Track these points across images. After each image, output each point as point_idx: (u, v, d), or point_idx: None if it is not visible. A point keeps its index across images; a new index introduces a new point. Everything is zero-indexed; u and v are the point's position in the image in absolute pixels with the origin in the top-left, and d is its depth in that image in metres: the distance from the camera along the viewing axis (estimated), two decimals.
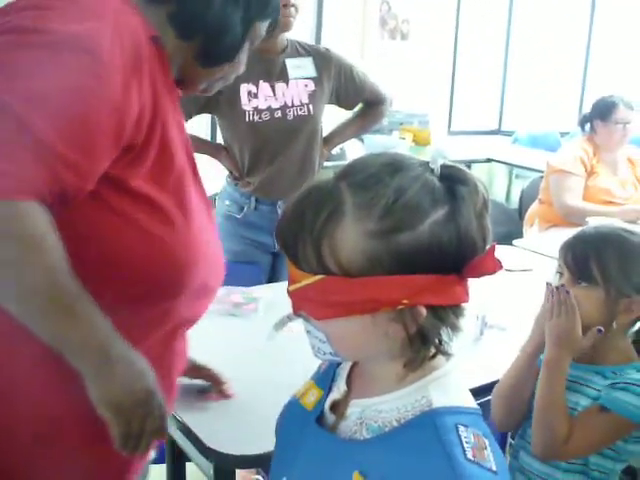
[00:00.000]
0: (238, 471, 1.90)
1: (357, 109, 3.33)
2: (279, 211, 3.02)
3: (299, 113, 2.95)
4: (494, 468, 0.91)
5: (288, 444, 1.12)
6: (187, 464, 2.17)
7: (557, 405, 1.66)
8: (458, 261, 0.93)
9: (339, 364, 1.13)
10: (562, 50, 7.97)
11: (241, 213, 3.06)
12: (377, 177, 0.92)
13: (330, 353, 0.99)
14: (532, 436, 1.70)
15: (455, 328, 0.97)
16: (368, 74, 3.22)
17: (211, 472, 1.78)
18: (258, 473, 2.21)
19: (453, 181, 0.93)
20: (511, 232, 4.22)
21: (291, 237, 0.94)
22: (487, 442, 0.94)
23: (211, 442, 1.66)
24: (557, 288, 1.67)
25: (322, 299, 0.93)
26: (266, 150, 2.96)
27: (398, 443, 0.95)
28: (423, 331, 0.94)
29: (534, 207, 4.45)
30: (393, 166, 0.93)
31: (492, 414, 1.81)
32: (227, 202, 3.11)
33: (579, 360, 1.70)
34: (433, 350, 0.98)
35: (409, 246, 0.89)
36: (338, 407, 1.07)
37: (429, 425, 0.94)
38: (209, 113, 3.10)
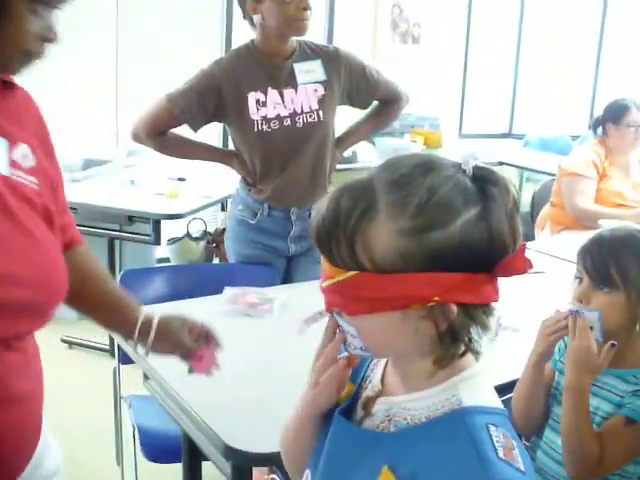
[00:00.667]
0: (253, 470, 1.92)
1: (371, 108, 3.22)
2: (292, 217, 3.00)
3: (309, 120, 2.88)
4: (522, 468, 0.92)
5: (321, 438, 1.13)
6: (203, 463, 2.18)
7: (584, 428, 1.65)
8: (489, 260, 0.94)
9: (372, 360, 1.15)
10: (573, 53, 7.95)
11: (254, 219, 3.01)
12: (410, 176, 0.94)
13: (361, 348, 1.01)
14: (564, 458, 1.70)
15: (485, 327, 0.98)
16: (382, 71, 3.12)
17: (229, 470, 1.79)
18: (273, 472, 2.22)
19: (484, 182, 0.95)
20: (524, 235, 4.23)
21: (325, 234, 0.96)
22: (515, 443, 0.95)
23: (230, 440, 1.68)
24: (570, 312, 1.68)
25: (354, 295, 0.95)
26: (277, 159, 2.92)
27: (428, 439, 0.96)
28: (453, 329, 0.96)
29: (546, 210, 4.45)
30: (426, 166, 0.95)
31: (513, 417, 1.82)
32: (240, 207, 3.06)
33: None
34: (463, 348, 0.99)
35: (441, 244, 0.91)
36: (369, 404, 1.08)
37: (459, 423, 0.95)
38: (218, 122, 3.07)
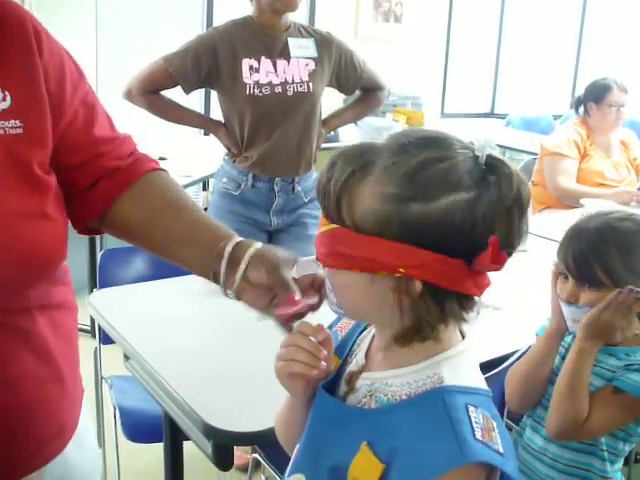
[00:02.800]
0: (235, 450, 1.92)
1: (356, 95, 3.39)
2: (276, 189, 3.04)
3: (299, 90, 2.99)
4: (501, 450, 0.92)
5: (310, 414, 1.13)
6: (185, 443, 2.18)
7: (582, 389, 1.66)
8: (468, 249, 0.92)
9: (360, 335, 1.15)
10: (555, 33, 7.96)
11: (238, 190, 3.06)
12: (408, 147, 0.94)
13: (336, 304, 1.03)
14: (548, 417, 1.70)
15: (457, 318, 0.97)
16: (367, 62, 3.27)
17: (209, 450, 1.79)
18: (255, 451, 2.22)
19: (491, 172, 0.93)
20: None
21: (322, 187, 0.99)
22: (495, 424, 0.95)
23: (210, 419, 1.67)
24: (630, 290, 1.61)
25: (332, 248, 0.98)
26: (265, 124, 2.99)
27: (407, 416, 0.96)
28: (415, 308, 0.95)
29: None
30: (429, 140, 0.95)
31: (507, 396, 1.82)
32: (224, 180, 3.11)
33: None
34: (425, 333, 0.97)
35: (419, 217, 0.91)
36: (352, 379, 1.09)
37: (439, 402, 0.95)
38: (209, 87, 3.11)
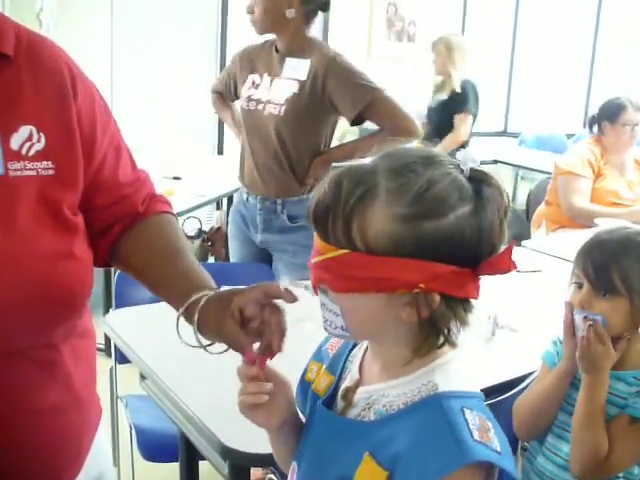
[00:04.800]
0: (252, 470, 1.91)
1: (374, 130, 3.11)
2: (258, 206, 3.07)
3: (271, 111, 2.94)
4: (499, 449, 0.95)
5: (305, 431, 1.17)
6: (200, 462, 2.18)
7: (597, 423, 1.65)
8: (475, 257, 0.98)
9: (351, 350, 1.17)
10: (568, 52, 7.97)
11: (239, 201, 3.24)
12: (412, 167, 0.97)
13: (342, 327, 1.03)
14: (572, 456, 1.69)
15: (463, 322, 1.02)
16: (387, 95, 2.96)
17: (226, 471, 1.79)
18: (272, 472, 2.22)
19: (480, 183, 0.99)
20: (519, 233, 4.20)
21: (324, 209, 0.99)
22: (491, 425, 0.98)
23: (227, 440, 1.67)
24: (587, 320, 1.66)
25: (343, 272, 0.98)
26: (248, 140, 3.08)
27: (406, 424, 0.99)
28: (434, 318, 0.99)
29: (541, 208, 4.44)
30: (428, 159, 0.99)
31: (515, 427, 1.81)
32: (238, 192, 3.34)
33: None
34: (442, 339, 1.02)
35: (432, 234, 0.95)
36: (348, 395, 1.11)
37: (435, 407, 0.98)
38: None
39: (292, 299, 1.16)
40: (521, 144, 7.34)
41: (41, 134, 1.18)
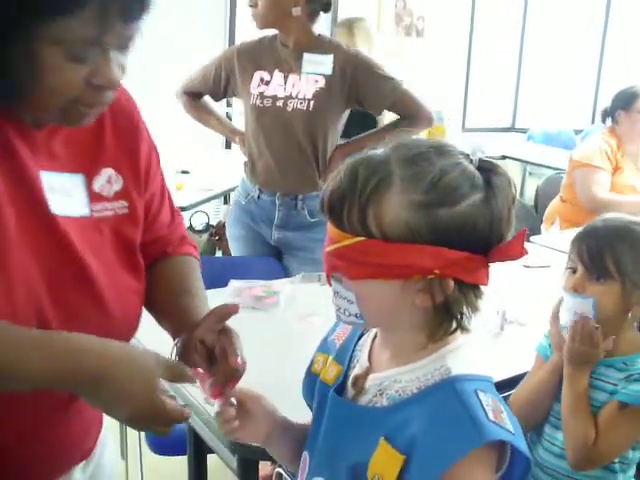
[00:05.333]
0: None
1: (391, 121, 3.19)
2: (277, 202, 3.04)
3: (298, 107, 2.94)
4: (512, 430, 0.98)
5: (315, 421, 1.19)
6: (208, 456, 2.18)
7: (582, 411, 1.69)
8: (486, 244, 1.00)
9: (358, 340, 1.19)
10: (577, 48, 7.94)
11: (246, 200, 3.15)
12: (425, 156, 1.00)
13: (356, 315, 1.05)
14: (565, 445, 1.72)
15: (475, 308, 1.04)
16: (408, 87, 3.03)
17: (234, 464, 1.79)
18: (280, 466, 2.22)
19: (489, 172, 1.02)
20: (528, 229, 4.18)
21: (340, 197, 1.00)
22: (502, 407, 1.01)
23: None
24: (578, 314, 1.71)
25: (359, 260, 0.99)
26: (265, 137, 3.02)
27: (420, 407, 1.00)
28: (448, 304, 1.01)
29: (555, 206, 4.34)
30: (440, 149, 1.01)
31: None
32: (239, 189, 3.23)
33: None
34: (454, 325, 1.04)
35: (447, 221, 0.97)
36: (358, 382, 1.12)
37: (449, 390, 1.00)
38: (234, 96, 3.22)
39: (235, 309, 1.26)
40: (529, 140, 7.32)
41: (119, 176, 1.25)
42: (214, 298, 2.40)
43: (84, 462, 1.36)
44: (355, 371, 1.14)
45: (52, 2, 0.98)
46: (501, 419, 0.98)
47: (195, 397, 1.83)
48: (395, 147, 1.02)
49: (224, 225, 4.74)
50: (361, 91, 2.97)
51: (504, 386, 1.88)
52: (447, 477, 0.94)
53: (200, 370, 1.23)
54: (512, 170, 7.15)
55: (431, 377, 1.03)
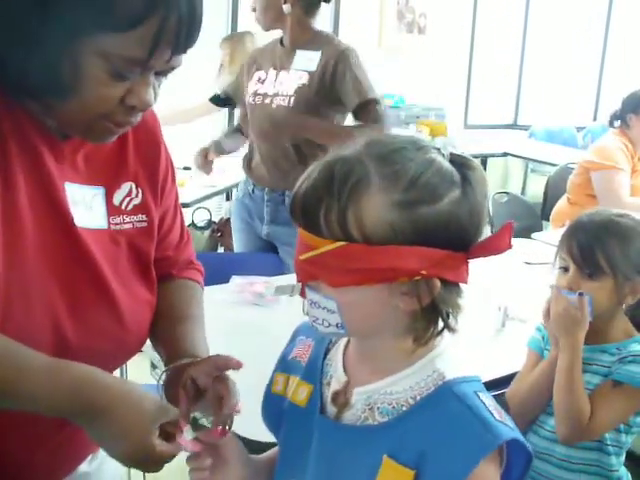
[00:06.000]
0: None
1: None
2: (265, 198, 3.08)
3: (280, 103, 2.94)
4: (512, 426, 0.96)
5: (293, 446, 1.12)
6: None
7: (578, 387, 1.72)
8: (467, 240, 0.96)
9: (325, 355, 1.13)
10: (579, 45, 7.95)
11: (243, 194, 3.23)
12: (401, 152, 0.95)
13: (337, 325, 0.98)
14: (556, 424, 1.74)
15: (458, 307, 0.99)
16: (373, 87, 2.91)
17: None
18: None
19: (463, 167, 0.97)
20: (530, 226, 4.16)
21: (314, 203, 0.94)
22: (499, 406, 0.99)
23: (239, 429, 1.67)
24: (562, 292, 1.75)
25: (342, 266, 0.93)
26: (255, 134, 3.09)
27: (423, 418, 0.96)
28: (435, 305, 0.96)
29: (563, 207, 4.23)
30: (415, 144, 0.97)
31: (511, 415, 1.82)
32: (240, 184, 3.32)
33: (585, 342, 1.75)
34: (441, 326, 1.00)
35: (429, 219, 0.92)
36: (339, 398, 1.06)
37: (449, 396, 0.97)
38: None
39: (239, 366, 1.23)
40: (531, 137, 7.32)
41: (139, 189, 1.26)
42: (216, 294, 2.42)
43: (91, 455, 1.37)
44: (332, 387, 1.08)
45: (112, 17, 0.99)
46: (503, 417, 0.96)
47: None
48: (368, 144, 0.97)
49: (226, 221, 4.76)
50: (337, 86, 2.89)
51: (505, 382, 1.89)
52: None
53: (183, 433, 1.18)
54: (514, 167, 7.17)
55: (425, 385, 0.99)
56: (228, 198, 5.30)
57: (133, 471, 2.69)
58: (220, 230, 4.85)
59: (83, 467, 1.35)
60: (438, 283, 0.94)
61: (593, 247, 1.72)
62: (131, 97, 1.07)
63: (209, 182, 4.23)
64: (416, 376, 1.00)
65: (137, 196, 1.26)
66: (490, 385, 1.97)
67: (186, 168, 4.34)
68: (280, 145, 2.98)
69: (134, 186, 1.25)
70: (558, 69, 7.81)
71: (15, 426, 1.15)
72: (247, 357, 1.95)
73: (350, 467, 1.00)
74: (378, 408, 1.01)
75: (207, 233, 4.88)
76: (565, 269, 1.78)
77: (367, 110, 2.90)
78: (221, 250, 4.86)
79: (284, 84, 2.96)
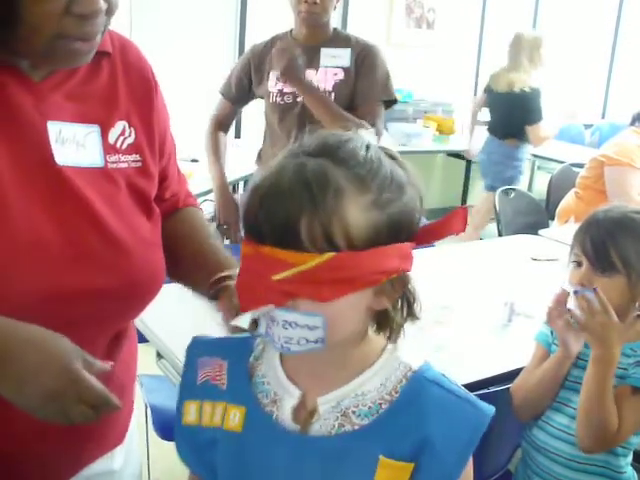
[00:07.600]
0: None
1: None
2: None
3: None
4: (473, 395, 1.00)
5: (242, 475, 1.02)
6: None
7: (607, 400, 1.66)
8: (414, 230, 0.97)
9: (245, 372, 1.05)
10: (588, 42, 7.92)
11: None
12: (355, 151, 0.92)
13: (316, 340, 0.91)
14: (580, 432, 1.70)
15: (416, 294, 0.99)
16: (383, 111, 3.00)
17: None
18: None
19: (395, 158, 0.97)
20: (536, 222, 4.14)
21: (290, 218, 0.87)
22: None
23: None
24: (578, 294, 1.69)
25: (332, 277, 0.88)
26: (287, 132, 3.02)
27: (408, 410, 0.96)
28: (407, 298, 0.98)
29: (569, 203, 4.21)
30: (361, 141, 0.94)
31: (515, 407, 1.82)
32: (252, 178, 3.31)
33: None
34: (405, 315, 0.99)
35: (401, 215, 0.92)
36: (301, 413, 0.99)
37: (424, 383, 0.98)
38: (261, 98, 3.20)
39: None
40: None
41: (132, 129, 1.26)
42: None
43: (119, 447, 1.39)
44: (286, 404, 1.00)
45: None
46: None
47: None
48: (320, 150, 0.92)
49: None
50: (364, 78, 2.97)
51: (511, 377, 1.88)
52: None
53: None
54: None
55: (395, 378, 0.98)
56: (235, 190, 5.30)
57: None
58: (226, 222, 4.85)
59: (100, 466, 1.35)
60: (410, 277, 0.96)
61: (606, 243, 1.70)
62: (75, 4, 1.03)
63: None
64: (384, 372, 0.99)
65: (130, 135, 1.25)
66: (496, 380, 1.99)
67: (194, 160, 4.35)
68: None
69: (127, 125, 1.25)
70: (566, 66, 7.78)
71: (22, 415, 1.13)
72: None
73: (341, 476, 0.97)
74: (353, 412, 0.97)
75: (214, 225, 4.88)
76: (578, 264, 1.76)
77: (375, 111, 2.96)
78: (227, 242, 4.86)
79: (316, 82, 2.94)
